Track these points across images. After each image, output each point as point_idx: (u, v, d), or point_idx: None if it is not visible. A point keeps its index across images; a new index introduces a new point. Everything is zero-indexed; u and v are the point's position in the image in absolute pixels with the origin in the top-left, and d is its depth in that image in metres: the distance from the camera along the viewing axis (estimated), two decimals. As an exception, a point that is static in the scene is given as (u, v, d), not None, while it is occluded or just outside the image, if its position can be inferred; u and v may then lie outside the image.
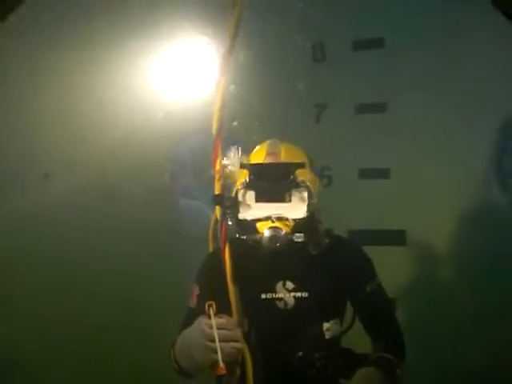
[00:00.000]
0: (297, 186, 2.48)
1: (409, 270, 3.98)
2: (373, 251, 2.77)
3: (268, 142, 2.58)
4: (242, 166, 2.46)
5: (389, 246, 3.93)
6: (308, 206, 2.50)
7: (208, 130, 2.52)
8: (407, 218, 3.95)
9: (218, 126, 2.48)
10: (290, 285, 2.56)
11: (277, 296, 2.59)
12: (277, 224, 2.48)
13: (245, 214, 2.50)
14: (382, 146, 3.96)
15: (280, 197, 2.46)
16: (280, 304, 2.61)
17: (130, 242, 4.03)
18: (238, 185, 2.51)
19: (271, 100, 3.89)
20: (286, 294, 2.58)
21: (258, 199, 2.48)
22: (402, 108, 3.95)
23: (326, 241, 2.57)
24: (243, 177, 2.50)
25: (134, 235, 4.03)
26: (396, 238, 3.96)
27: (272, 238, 2.48)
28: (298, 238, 2.51)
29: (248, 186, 2.47)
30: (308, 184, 2.51)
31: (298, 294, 2.59)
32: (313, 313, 2.59)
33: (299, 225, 2.52)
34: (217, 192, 2.50)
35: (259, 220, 2.51)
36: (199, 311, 2.48)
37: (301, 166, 2.48)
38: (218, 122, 2.49)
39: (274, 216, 2.48)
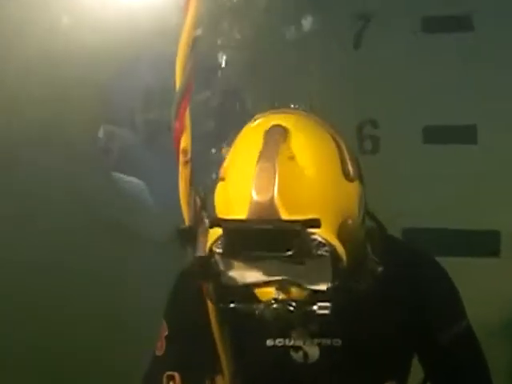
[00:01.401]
0: (309, 254, 1.45)
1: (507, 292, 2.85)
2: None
3: (259, 149, 1.50)
4: (214, 224, 1.49)
5: (475, 256, 2.87)
6: (334, 273, 1.49)
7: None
8: (503, 213, 2.85)
9: (186, 72, 1.58)
10: (313, 326, 1.63)
11: (292, 343, 1.69)
12: (282, 296, 1.51)
13: (229, 278, 1.55)
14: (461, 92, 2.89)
15: (284, 252, 1.46)
16: (297, 356, 1.70)
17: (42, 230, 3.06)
18: (211, 243, 1.54)
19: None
20: (307, 340, 1.68)
21: (248, 259, 1.52)
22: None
23: (380, 269, 1.57)
24: (216, 234, 1.53)
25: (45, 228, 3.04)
26: (486, 243, 2.91)
27: (277, 318, 1.52)
28: (322, 309, 1.52)
29: (227, 254, 1.51)
30: (332, 244, 1.46)
31: (327, 342, 1.68)
32: (350, 372, 1.69)
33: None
34: (185, 222, 1.61)
35: (255, 284, 1.56)
36: (167, 363, 1.74)
37: (314, 224, 1.43)
38: (184, 62, 1.57)
39: (276, 287, 1.52)
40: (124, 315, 3.04)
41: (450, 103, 2.95)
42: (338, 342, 1.70)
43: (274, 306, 1.50)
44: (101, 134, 3.07)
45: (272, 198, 1.42)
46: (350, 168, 1.54)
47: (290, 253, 1.41)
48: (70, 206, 3.05)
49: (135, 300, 2.95)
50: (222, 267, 1.53)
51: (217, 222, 1.48)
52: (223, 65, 2.58)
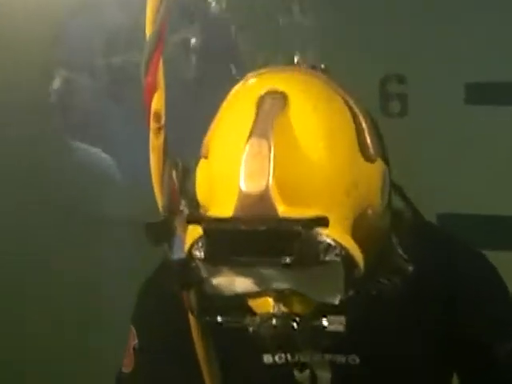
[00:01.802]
0: (315, 260, 1.25)
1: None
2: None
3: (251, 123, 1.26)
4: (191, 221, 1.31)
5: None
6: (348, 282, 1.30)
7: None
8: None
9: (159, 14, 1.39)
10: (323, 343, 1.41)
11: (296, 359, 1.50)
12: (283, 309, 1.31)
13: (214, 286, 1.35)
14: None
15: (281, 259, 1.26)
16: (302, 376, 1.51)
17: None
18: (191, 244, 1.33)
19: None
20: (317, 356, 1.49)
21: (235, 262, 1.30)
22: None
23: (410, 269, 1.40)
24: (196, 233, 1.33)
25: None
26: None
27: (277, 336, 1.32)
28: (334, 324, 1.31)
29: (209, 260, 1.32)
30: (345, 246, 1.25)
31: (341, 360, 1.50)
32: None
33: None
34: (159, 201, 1.41)
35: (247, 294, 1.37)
36: (138, 381, 1.55)
37: (321, 223, 1.22)
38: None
39: (274, 298, 1.32)
40: (82, 310, 2.76)
41: (499, 55, 2.62)
42: (355, 359, 1.49)
43: (273, 321, 1.28)
44: (55, 85, 2.70)
45: (266, 188, 1.19)
46: (370, 144, 1.32)
47: (289, 260, 1.19)
48: (18, 183, 2.74)
49: (97, 294, 2.71)
50: (204, 273, 1.30)
51: (195, 219, 1.26)
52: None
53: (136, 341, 1.55)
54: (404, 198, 1.50)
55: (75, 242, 2.71)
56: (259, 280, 1.26)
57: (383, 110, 2.63)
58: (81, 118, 2.69)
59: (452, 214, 2.55)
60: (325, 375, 1.48)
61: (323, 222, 1.17)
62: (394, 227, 1.37)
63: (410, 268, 1.37)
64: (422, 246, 1.42)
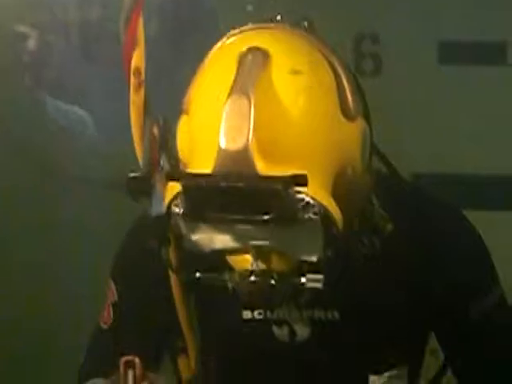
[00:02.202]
0: (293, 218, 1.26)
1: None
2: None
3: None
4: (171, 178, 1.30)
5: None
6: (327, 240, 1.30)
7: None
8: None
9: None
10: (301, 299, 1.45)
11: (275, 316, 1.50)
12: (261, 266, 1.32)
13: (193, 243, 1.34)
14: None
15: (259, 216, 1.26)
16: (281, 333, 1.52)
17: None
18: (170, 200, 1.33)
19: None
20: (295, 312, 1.49)
21: (214, 219, 1.31)
22: None
23: (389, 227, 1.43)
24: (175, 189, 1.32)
25: None
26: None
27: (255, 293, 1.33)
28: (312, 282, 1.32)
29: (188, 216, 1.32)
30: (323, 204, 1.26)
31: (320, 315, 1.50)
32: (350, 353, 1.51)
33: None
34: (139, 156, 1.41)
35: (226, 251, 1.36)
36: (118, 337, 1.53)
37: (300, 182, 1.22)
38: None
39: (253, 254, 1.32)
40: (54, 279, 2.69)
41: (474, 14, 2.60)
42: (334, 315, 1.48)
43: (251, 278, 1.29)
44: (29, 45, 2.58)
45: (245, 145, 1.19)
46: (351, 103, 1.32)
47: (267, 217, 1.19)
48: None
49: (71, 258, 2.63)
50: (183, 230, 1.30)
51: (174, 176, 1.25)
52: None
53: (115, 296, 1.55)
54: (384, 160, 1.51)
55: (50, 201, 2.65)
56: (238, 237, 1.26)
57: (357, 69, 2.60)
58: (56, 76, 2.61)
59: (426, 174, 2.55)
60: (304, 331, 1.49)
61: (302, 179, 1.16)
62: (375, 187, 1.37)
63: (390, 227, 1.38)
64: (401, 205, 1.43)
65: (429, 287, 1.47)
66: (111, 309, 1.55)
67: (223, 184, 1.17)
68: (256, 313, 1.48)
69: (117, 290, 1.55)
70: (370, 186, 1.35)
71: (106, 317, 1.55)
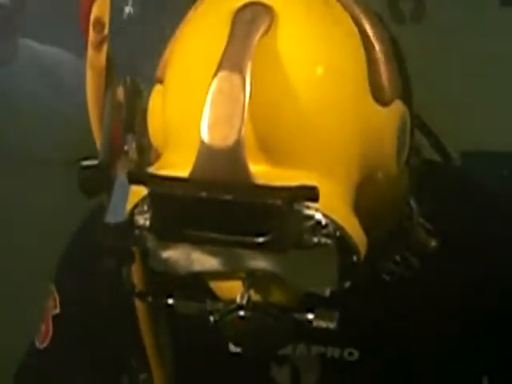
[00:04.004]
0: (298, 242, 0.95)
1: None
2: None
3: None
4: (134, 180, 0.97)
5: None
6: (342, 270, 1.01)
7: None
8: None
9: None
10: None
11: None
12: (255, 297, 1.03)
13: (162, 261, 1.07)
14: None
15: (252, 238, 0.93)
16: (281, 373, 1.27)
17: None
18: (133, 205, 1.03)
19: None
20: (301, 347, 1.24)
21: (190, 238, 0.97)
22: None
23: (433, 244, 1.15)
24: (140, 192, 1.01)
25: None
26: None
27: (245, 332, 1.05)
28: (322, 320, 1.04)
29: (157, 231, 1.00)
30: (340, 225, 0.94)
31: (334, 353, 1.24)
32: None
33: None
34: (96, 136, 1.13)
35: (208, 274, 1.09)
36: (58, 361, 1.29)
37: (309, 196, 0.90)
38: None
39: (243, 281, 1.04)
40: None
41: None
42: (352, 353, 1.23)
43: (241, 313, 1.04)
44: None
45: (236, 141, 0.91)
46: (386, 81, 1.04)
47: (262, 239, 0.93)
48: None
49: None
50: (150, 244, 1.04)
51: (138, 178, 0.97)
52: None
53: (58, 308, 1.30)
54: (430, 137, 1.23)
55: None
56: (225, 257, 1.01)
57: (392, 14, 2.24)
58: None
59: (478, 152, 2.11)
60: (310, 373, 1.24)
61: (311, 193, 0.89)
62: (415, 185, 1.10)
63: (434, 243, 1.13)
64: (455, 210, 1.16)
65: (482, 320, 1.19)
66: (51, 323, 1.30)
67: (204, 194, 0.91)
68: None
69: (61, 301, 1.30)
70: (406, 189, 1.09)
71: (45, 332, 1.31)
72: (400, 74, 1.04)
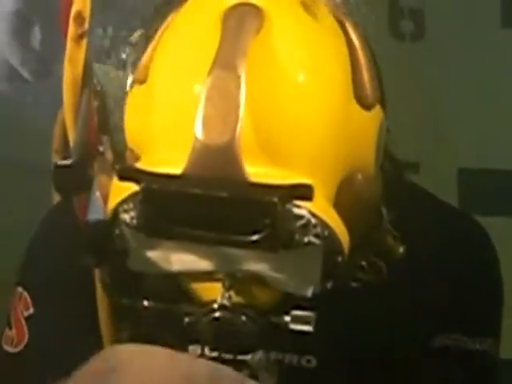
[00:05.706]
0: (289, 241, 0.98)
1: None
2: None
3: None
4: (124, 176, 0.97)
5: None
6: (326, 271, 1.02)
7: None
8: None
9: None
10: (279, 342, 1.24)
11: (231, 356, 1.15)
12: (235, 298, 1.04)
13: (142, 261, 1.07)
14: None
15: (245, 236, 0.96)
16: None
17: None
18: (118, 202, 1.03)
19: None
20: (260, 353, 1.21)
21: (181, 236, 0.99)
22: None
23: (400, 250, 1.20)
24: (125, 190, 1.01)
25: None
26: None
27: (222, 334, 1.07)
28: (299, 323, 1.05)
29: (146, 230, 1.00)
30: (330, 225, 0.97)
31: (292, 359, 1.27)
32: None
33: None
34: (71, 135, 1.10)
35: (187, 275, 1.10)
36: (34, 365, 1.26)
37: (304, 194, 0.94)
38: None
39: (223, 282, 1.05)
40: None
41: None
42: (310, 360, 1.26)
43: (216, 314, 1.05)
44: None
45: (231, 138, 0.95)
46: (369, 85, 1.09)
47: (256, 237, 0.96)
48: None
49: None
50: (131, 243, 1.05)
51: (130, 175, 0.98)
52: None
53: (31, 309, 1.28)
54: (390, 158, 1.25)
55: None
56: (208, 257, 1.02)
57: (392, 31, 2.21)
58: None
59: (476, 170, 2.09)
60: (268, 380, 1.22)
61: (306, 191, 0.92)
62: (385, 190, 1.11)
63: (401, 249, 1.16)
64: (420, 220, 1.22)
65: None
66: (25, 324, 1.28)
67: (198, 191, 0.93)
68: (207, 349, 1.17)
69: (33, 300, 1.28)
70: (379, 196, 1.10)
71: (18, 335, 1.28)
72: (378, 84, 1.08)
